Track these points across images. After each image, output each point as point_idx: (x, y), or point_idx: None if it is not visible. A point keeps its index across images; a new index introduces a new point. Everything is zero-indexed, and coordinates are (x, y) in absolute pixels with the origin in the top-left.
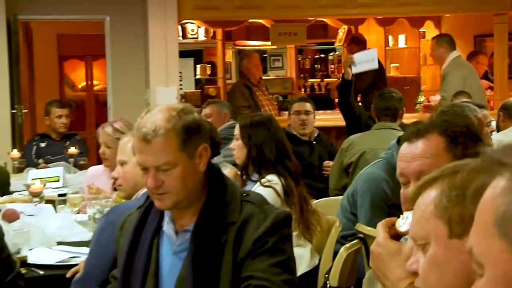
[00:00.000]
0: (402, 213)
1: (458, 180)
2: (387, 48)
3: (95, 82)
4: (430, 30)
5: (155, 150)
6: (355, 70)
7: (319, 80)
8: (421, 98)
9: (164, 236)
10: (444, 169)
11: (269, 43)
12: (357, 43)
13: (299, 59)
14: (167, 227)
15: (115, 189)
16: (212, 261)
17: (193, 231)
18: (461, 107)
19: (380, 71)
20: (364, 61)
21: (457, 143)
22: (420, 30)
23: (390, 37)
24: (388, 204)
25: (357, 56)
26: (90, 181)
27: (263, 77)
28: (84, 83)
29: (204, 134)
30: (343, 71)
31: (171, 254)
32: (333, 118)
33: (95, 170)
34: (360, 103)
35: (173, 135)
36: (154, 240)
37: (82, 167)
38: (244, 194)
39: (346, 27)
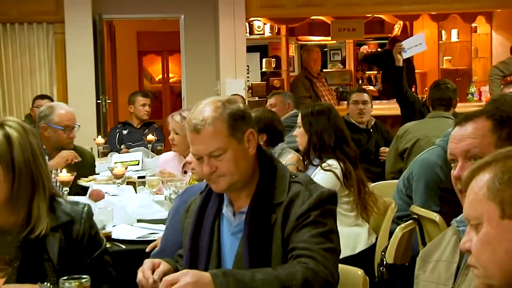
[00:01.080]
0: (455, 196)
1: (510, 164)
2: (440, 42)
3: (170, 75)
4: (481, 25)
5: (205, 138)
6: (406, 55)
7: (376, 72)
8: (472, 89)
9: (224, 218)
10: (497, 154)
11: (329, 38)
12: (393, 43)
13: (357, 52)
14: (226, 209)
15: (185, 172)
16: (264, 240)
17: (247, 213)
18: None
19: (408, 66)
20: (412, 46)
21: (503, 126)
22: (472, 25)
23: (443, 31)
24: (441, 188)
25: (406, 42)
26: (162, 166)
27: (324, 70)
28: (160, 76)
29: (249, 120)
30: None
31: (230, 235)
32: (389, 107)
33: (167, 156)
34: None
35: (221, 123)
36: (215, 222)
37: (159, 152)
38: (293, 176)
39: (401, 22)
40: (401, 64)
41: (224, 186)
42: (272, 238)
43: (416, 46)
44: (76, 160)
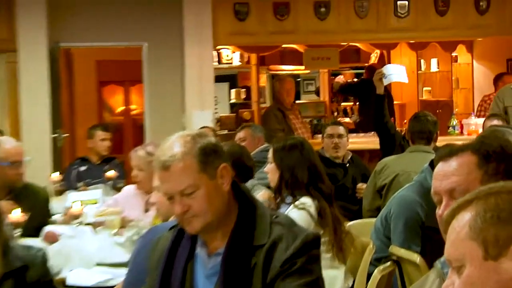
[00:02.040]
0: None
1: (493, 201)
2: (419, 72)
3: (132, 106)
4: (462, 54)
5: (175, 175)
6: (386, 81)
7: (352, 103)
8: (454, 122)
9: (197, 258)
10: (479, 191)
11: (302, 67)
12: (370, 72)
13: (332, 83)
14: (200, 250)
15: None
16: (242, 284)
17: (223, 255)
18: (501, 131)
19: (388, 99)
20: (393, 73)
21: (489, 161)
22: (452, 54)
23: (422, 61)
24: (423, 227)
25: (387, 68)
26: (124, 200)
27: (297, 101)
28: (122, 108)
29: (222, 154)
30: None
31: (204, 278)
32: (367, 141)
33: (129, 190)
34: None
35: (191, 158)
36: (188, 263)
37: (120, 190)
38: (274, 216)
39: (378, 51)
40: (382, 92)
41: (199, 227)
42: (252, 282)
43: (398, 74)
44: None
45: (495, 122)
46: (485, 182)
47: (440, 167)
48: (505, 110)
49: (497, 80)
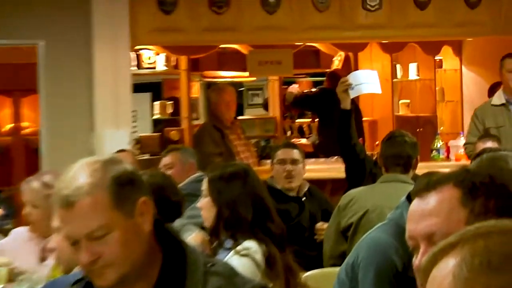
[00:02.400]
0: None
1: (481, 245)
2: (394, 80)
3: (24, 123)
4: (448, 58)
5: (82, 214)
6: (354, 93)
7: (310, 120)
8: (438, 143)
9: None
10: (464, 232)
11: (246, 73)
12: (332, 80)
13: (284, 93)
14: None
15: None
16: None
17: None
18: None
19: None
20: (364, 83)
21: (476, 196)
22: (435, 58)
23: (398, 66)
24: (399, 277)
25: (354, 77)
26: (13, 246)
27: (239, 117)
28: (10, 125)
29: (141, 185)
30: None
31: None
32: (328, 168)
33: (20, 233)
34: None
35: (101, 191)
36: None
37: (7, 232)
38: (209, 264)
39: (342, 54)
40: (348, 107)
41: (114, 280)
42: None
43: (368, 84)
44: None
45: (489, 144)
46: (471, 223)
47: (415, 204)
48: (485, 132)
49: (493, 91)
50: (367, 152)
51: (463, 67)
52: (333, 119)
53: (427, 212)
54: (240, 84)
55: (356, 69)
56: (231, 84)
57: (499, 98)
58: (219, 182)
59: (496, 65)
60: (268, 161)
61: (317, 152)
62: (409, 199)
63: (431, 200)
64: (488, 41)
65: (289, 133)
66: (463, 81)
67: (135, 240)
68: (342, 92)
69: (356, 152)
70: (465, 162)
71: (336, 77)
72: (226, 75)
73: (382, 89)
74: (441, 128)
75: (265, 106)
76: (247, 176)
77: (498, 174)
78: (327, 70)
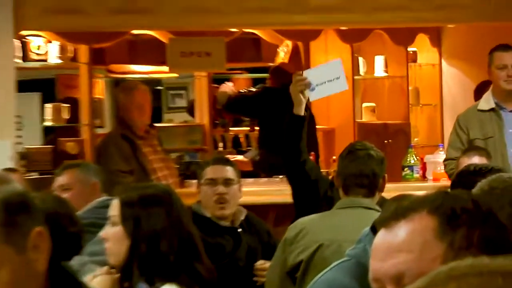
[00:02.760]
0: None
1: None
2: (356, 77)
3: None
4: (424, 50)
5: None
6: (314, 95)
7: (248, 129)
8: (412, 159)
9: None
10: (436, 274)
11: (166, 68)
12: (277, 77)
13: (215, 94)
14: None
15: None
16: None
17: None
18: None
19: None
20: (325, 81)
21: (457, 226)
22: (408, 50)
23: (361, 60)
24: None
25: (314, 74)
26: None
27: (156, 124)
28: None
29: (35, 213)
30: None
31: None
32: (271, 190)
33: None
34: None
35: None
36: None
37: None
38: None
39: (290, 43)
40: (302, 113)
41: None
42: None
43: (331, 81)
44: None
45: (476, 160)
46: (450, 260)
47: (381, 237)
48: (470, 144)
49: (480, 92)
50: (321, 170)
51: (443, 61)
52: (279, 127)
53: (395, 247)
54: (157, 82)
55: (307, 63)
56: (145, 82)
57: (487, 102)
58: (136, 207)
59: (484, 59)
60: (194, 181)
61: (257, 170)
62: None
63: (401, 231)
64: (474, 29)
65: (221, 145)
66: (443, 80)
67: (26, 282)
68: (297, 92)
69: (306, 172)
70: (446, 182)
71: (281, 73)
72: (140, 70)
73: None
74: (416, 139)
75: (190, 110)
76: (170, 200)
77: (483, 197)
78: (270, 64)
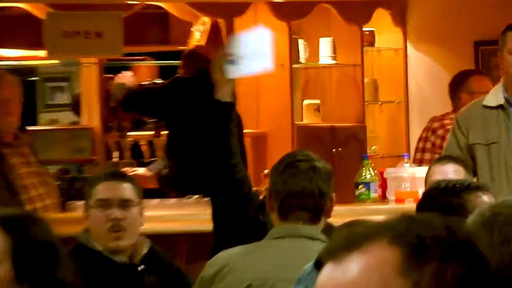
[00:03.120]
0: None
1: None
2: (295, 66)
3: None
4: (384, 30)
5: None
6: (240, 72)
7: (153, 133)
8: (368, 173)
9: None
10: None
11: (43, 53)
12: (191, 64)
13: (108, 88)
14: None
15: None
16: None
17: None
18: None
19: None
20: (252, 57)
21: (425, 260)
22: (364, 29)
23: (301, 42)
24: None
25: (241, 43)
26: None
27: (29, 128)
28: None
29: None
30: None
31: None
32: (182, 215)
33: None
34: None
35: None
36: None
37: None
38: None
39: (207, 21)
40: (229, 98)
41: None
42: None
43: (257, 56)
44: None
45: (450, 170)
46: None
47: (327, 273)
48: (469, 150)
49: (458, 85)
50: (251, 188)
51: (408, 45)
52: (194, 131)
53: (346, 286)
54: (31, 71)
55: (232, 44)
56: (14, 71)
57: (494, 96)
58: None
59: (463, 44)
60: (80, 203)
61: (164, 187)
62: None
63: (353, 266)
64: (448, 3)
65: (116, 155)
66: (409, 69)
67: None
68: (220, 70)
69: (236, 181)
70: (412, 204)
71: (197, 59)
72: (7, 56)
73: (275, 80)
74: (373, 147)
75: (75, 108)
76: (43, 228)
77: (460, 224)
78: (183, 48)
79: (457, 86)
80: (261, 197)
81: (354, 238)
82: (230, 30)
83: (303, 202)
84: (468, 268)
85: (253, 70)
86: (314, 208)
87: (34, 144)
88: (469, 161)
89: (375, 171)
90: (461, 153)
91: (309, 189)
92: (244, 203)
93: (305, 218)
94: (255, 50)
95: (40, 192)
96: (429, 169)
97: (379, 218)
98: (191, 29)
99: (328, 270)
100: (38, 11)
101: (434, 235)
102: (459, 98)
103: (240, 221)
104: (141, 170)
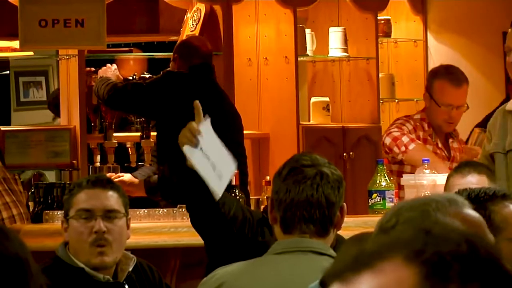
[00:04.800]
0: None
1: None
2: (301, 59)
3: None
4: (402, 19)
5: None
6: (194, 160)
7: (139, 134)
8: (383, 181)
9: None
10: None
11: (16, 44)
12: (184, 56)
13: (89, 84)
14: None
15: None
16: None
17: None
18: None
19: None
20: (213, 159)
21: (446, 279)
22: (379, 18)
23: (308, 32)
24: None
25: (209, 135)
26: None
27: (3, 128)
28: None
29: None
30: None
31: None
32: (174, 226)
33: None
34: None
35: None
36: None
37: None
38: None
39: (202, 7)
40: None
41: None
42: None
43: (215, 167)
44: None
45: (473, 181)
46: None
47: None
48: (491, 157)
49: (427, 82)
50: (250, 197)
51: (429, 35)
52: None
53: None
54: (3, 64)
55: (228, 36)
56: None
57: None
58: None
59: (490, 31)
60: (58, 213)
61: (153, 195)
62: (324, 286)
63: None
64: None
65: (98, 158)
66: (430, 63)
67: None
68: (182, 146)
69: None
70: None
71: (190, 50)
72: None
73: (279, 75)
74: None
75: (53, 106)
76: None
77: (480, 237)
78: (174, 38)
79: (426, 82)
80: (261, 207)
81: (364, 256)
82: (228, 18)
83: (308, 213)
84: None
85: (204, 174)
86: (322, 219)
87: (2, 148)
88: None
89: (391, 178)
90: (488, 163)
91: (315, 198)
92: (237, 238)
93: (311, 231)
94: (218, 161)
95: (7, 201)
96: (447, 180)
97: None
98: (185, 16)
99: None
100: None
101: (454, 251)
102: (424, 96)
103: (233, 235)
104: (127, 176)
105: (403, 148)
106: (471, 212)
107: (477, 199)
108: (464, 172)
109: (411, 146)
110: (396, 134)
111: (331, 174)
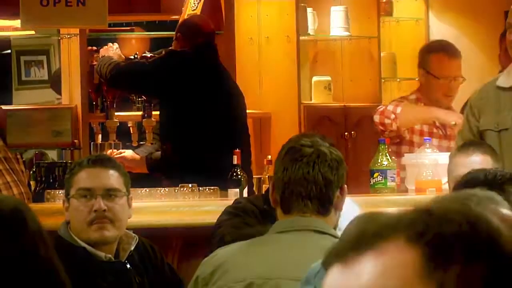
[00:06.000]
0: None
1: None
2: (303, 38)
3: None
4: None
5: None
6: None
7: (141, 113)
8: (384, 160)
9: None
10: None
11: (16, 23)
12: (187, 35)
13: (93, 63)
14: None
15: None
16: None
17: None
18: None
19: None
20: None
21: (449, 260)
22: None
23: (309, 11)
24: None
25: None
26: None
27: (4, 107)
28: None
29: None
30: None
31: None
32: (176, 205)
33: None
34: None
35: None
36: None
37: None
38: None
39: None
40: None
41: None
42: None
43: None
44: None
45: (477, 160)
46: None
47: (335, 278)
48: (481, 136)
49: (419, 59)
50: (252, 176)
51: (431, 15)
52: (191, 110)
53: None
54: (4, 44)
55: (230, 15)
56: None
57: (509, 75)
58: None
59: (493, 11)
60: (59, 192)
61: (155, 173)
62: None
63: (366, 269)
64: None
65: (99, 137)
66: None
67: None
68: None
69: None
70: (435, 194)
71: (193, 29)
72: None
73: (280, 55)
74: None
75: (55, 85)
76: (24, 223)
77: (483, 218)
78: (176, 17)
79: (419, 59)
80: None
81: (366, 237)
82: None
83: (305, 189)
84: (494, 269)
85: None
86: (320, 197)
87: (3, 127)
88: None
89: (393, 158)
90: (474, 139)
91: (312, 175)
92: None
93: (311, 210)
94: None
95: (6, 180)
96: (450, 160)
97: (394, 211)
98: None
99: (337, 274)
100: None
101: (456, 232)
102: (419, 74)
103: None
104: (128, 152)
105: (392, 116)
106: (508, 212)
107: (495, 181)
108: (468, 151)
109: (399, 110)
110: (380, 109)
111: (329, 153)
